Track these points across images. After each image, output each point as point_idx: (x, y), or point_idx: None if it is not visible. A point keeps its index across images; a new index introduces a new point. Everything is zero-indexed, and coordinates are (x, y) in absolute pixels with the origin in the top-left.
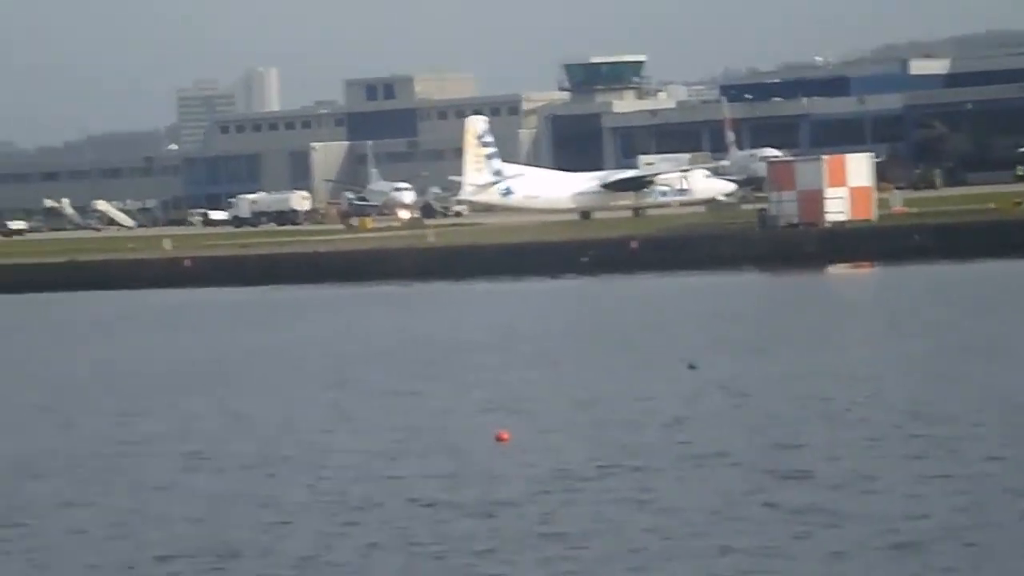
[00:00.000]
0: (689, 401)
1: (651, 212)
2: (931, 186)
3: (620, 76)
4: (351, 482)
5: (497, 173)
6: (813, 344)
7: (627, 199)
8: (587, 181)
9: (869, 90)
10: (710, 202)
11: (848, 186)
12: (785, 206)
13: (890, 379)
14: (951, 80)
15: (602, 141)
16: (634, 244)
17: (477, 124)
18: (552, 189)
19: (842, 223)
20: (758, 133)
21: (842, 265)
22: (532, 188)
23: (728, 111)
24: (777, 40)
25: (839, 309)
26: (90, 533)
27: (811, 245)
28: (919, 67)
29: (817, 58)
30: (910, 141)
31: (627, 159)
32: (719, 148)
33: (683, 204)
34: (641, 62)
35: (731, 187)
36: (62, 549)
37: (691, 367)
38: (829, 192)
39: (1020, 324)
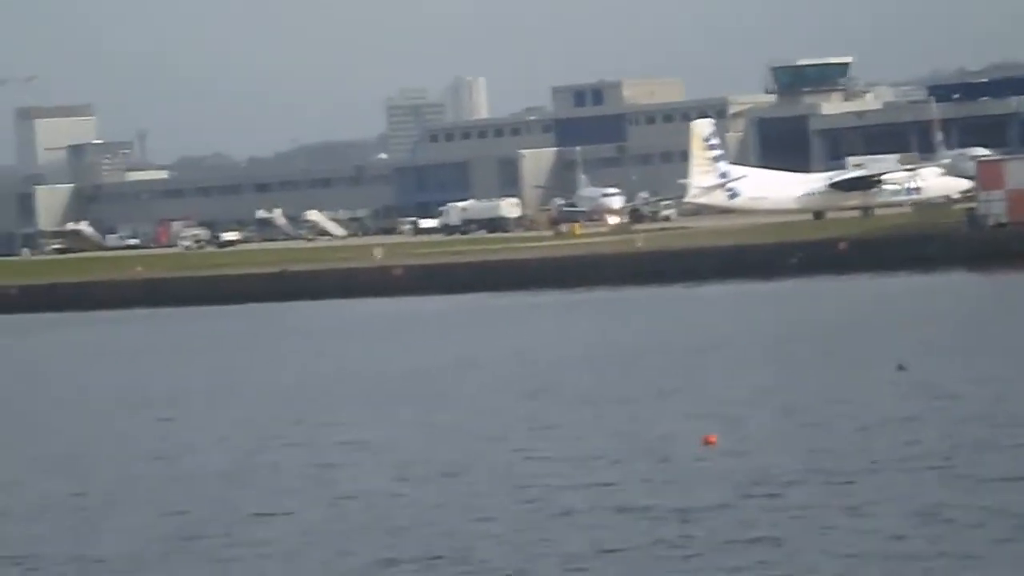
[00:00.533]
0: (895, 404)
1: (882, 211)
2: None
3: (827, 78)
4: (554, 490)
5: (724, 175)
6: (1019, 347)
7: (856, 199)
8: (815, 181)
9: None
10: (945, 201)
11: None
12: (994, 205)
13: None
14: None
15: (809, 143)
16: (843, 245)
17: (703, 127)
18: (779, 190)
19: None
20: (966, 133)
21: None
22: (758, 189)
23: (936, 111)
24: (985, 39)
25: None
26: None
27: (1020, 245)
28: None
29: None
30: None
31: (834, 161)
32: (927, 149)
33: (915, 203)
34: (847, 63)
35: (966, 184)
36: (298, 554)
37: (900, 368)
38: None
39: None
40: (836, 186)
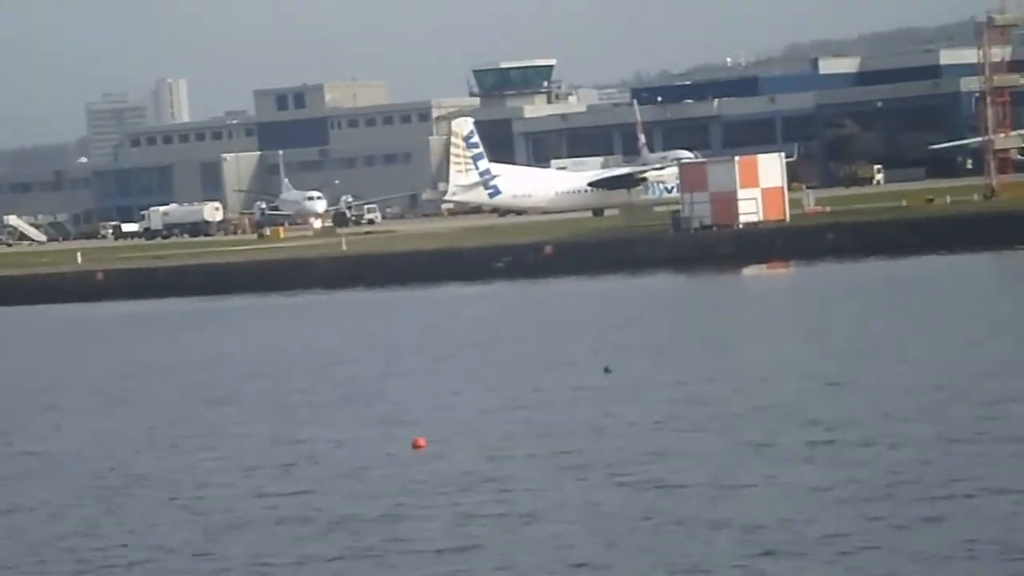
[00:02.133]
0: (602, 406)
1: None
2: (865, 182)
3: (530, 81)
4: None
5: (484, 174)
6: (712, 346)
7: (621, 197)
8: (576, 180)
9: (779, 90)
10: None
11: (760, 187)
12: (698, 208)
13: (777, 383)
14: (861, 79)
15: (514, 146)
16: (548, 249)
17: (463, 125)
18: (541, 188)
19: (755, 224)
20: (670, 135)
21: (757, 266)
22: (520, 187)
23: (639, 114)
24: (686, 42)
25: (740, 310)
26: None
27: (725, 246)
28: (828, 66)
29: (727, 59)
30: (822, 140)
31: (539, 164)
32: (631, 151)
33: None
34: (550, 66)
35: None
36: None
37: (607, 371)
38: (742, 193)
39: (922, 321)
40: (597, 184)
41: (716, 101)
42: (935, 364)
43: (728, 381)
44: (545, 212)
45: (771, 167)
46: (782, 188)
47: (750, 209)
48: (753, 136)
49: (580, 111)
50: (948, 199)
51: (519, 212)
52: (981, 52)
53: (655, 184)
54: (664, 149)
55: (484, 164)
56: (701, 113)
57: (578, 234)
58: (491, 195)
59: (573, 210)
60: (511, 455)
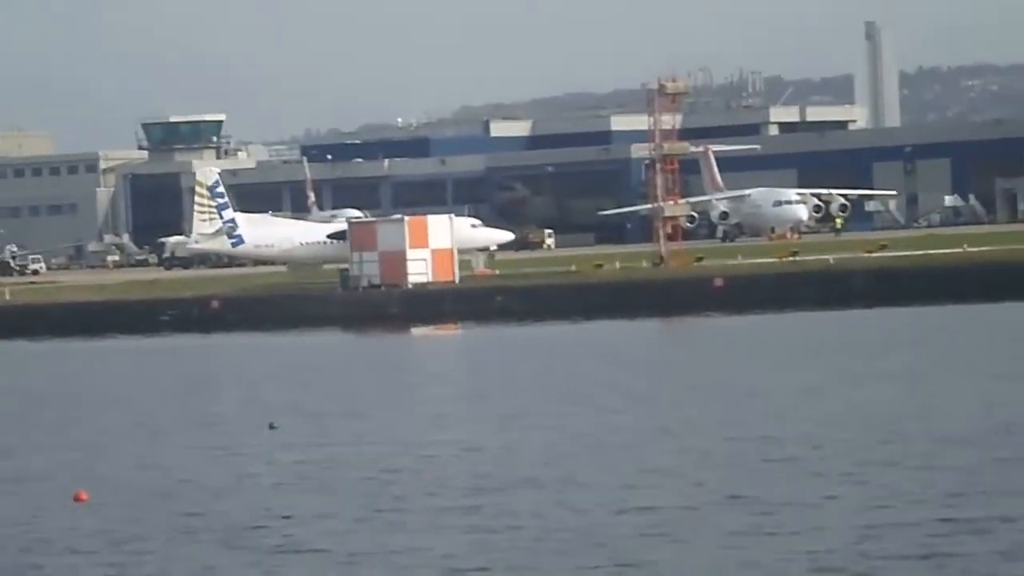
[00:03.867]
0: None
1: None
2: (536, 246)
3: (199, 135)
4: None
5: (228, 223)
6: (351, 408)
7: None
8: (318, 231)
9: (450, 152)
10: (484, 251)
11: (430, 247)
12: (367, 267)
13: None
14: (532, 142)
15: (182, 200)
16: (215, 303)
17: (208, 176)
18: (283, 238)
19: (424, 284)
20: (340, 194)
21: (424, 326)
22: (263, 238)
23: (308, 171)
24: (357, 101)
25: (403, 371)
26: None
27: (394, 306)
28: (500, 129)
29: (398, 119)
30: (492, 203)
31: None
32: (300, 208)
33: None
34: (220, 121)
35: (508, 236)
36: None
37: (272, 427)
38: (411, 253)
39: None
40: (334, 236)
41: (387, 161)
42: (586, 426)
43: (379, 443)
44: (285, 263)
45: (441, 228)
46: (451, 250)
47: (419, 269)
48: (424, 197)
49: (250, 167)
50: (617, 264)
51: (261, 262)
52: (651, 119)
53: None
54: (334, 207)
55: (229, 214)
56: (371, 173)
57: (246, 289)
58: (234, 244)
59: (314, 262)
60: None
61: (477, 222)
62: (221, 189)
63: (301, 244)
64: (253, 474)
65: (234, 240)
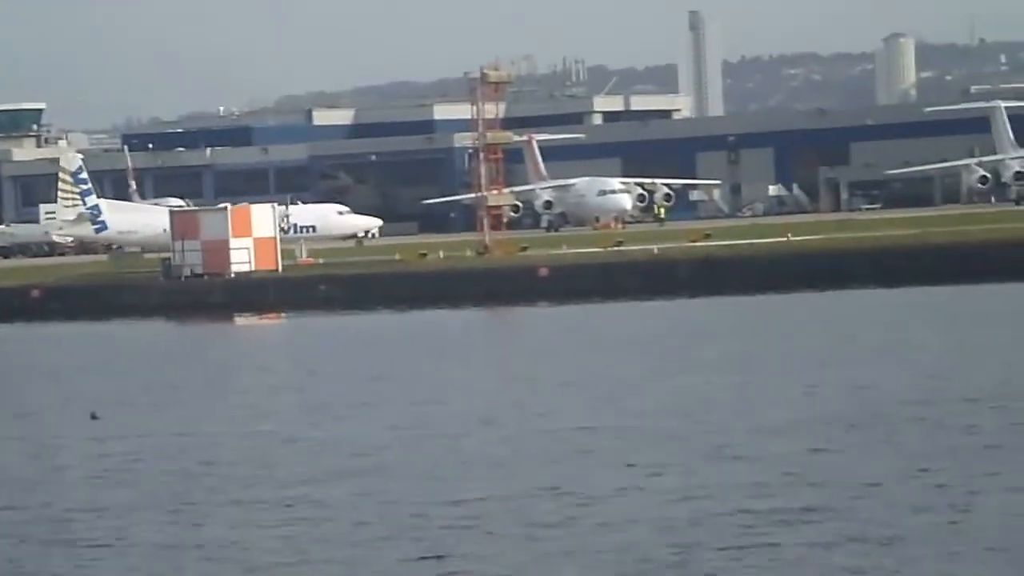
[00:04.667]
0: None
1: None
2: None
3: (18, 124)
4: None
5: (93, 208)
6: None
7: None
8: None
9: (273, 140)
10: (353, 238)
11: (253, 236)
12: (189, 256)
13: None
14: (355, 131)
15: (1, 189)
16: (36, 293)
17: (72, 161)
18: (147, 224)
19: (247, 273)
20: (162, 183)
21: (248, 315)
22: (127, 223)
23: (129, 160)
24: (179, 90)
25: (221, 359)
26: None
27: (217, 295)
28: (323, 117)
29: (220, 108)
30: (316, 191)
31: (27, 208)
32: (122, 196)
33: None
34: (40, 110)
35: (376, 223)
36: None
37: (93, 417)
38: (234, 242)
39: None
40: None
41: (209, 150)
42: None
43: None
44: (149, 249)
45: (264, 217)
46: (275, 238)
47: (242, 258)
48: (246, 186)
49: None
50: (441, 254)
51: (123, 248)
52: (474, 108)
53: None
54: (156, 196)
55: (92, 200)
56: (194, 161)
57: (66, 278)
58: (97, 230)
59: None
60: None
61: (345, 209)
62: (84, 175)
63: (164, 231)
64: (64, 466)
65: (97, 226)
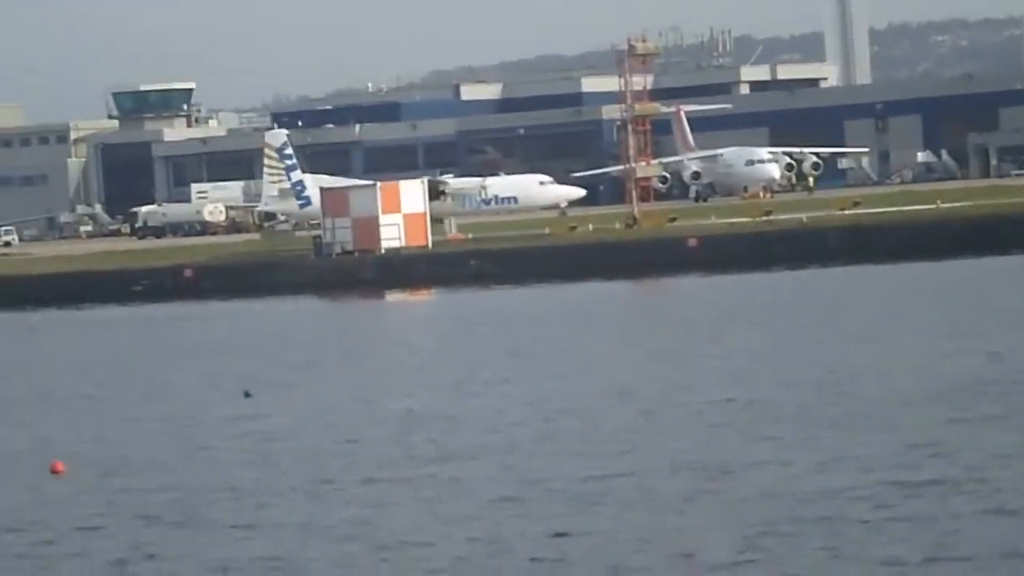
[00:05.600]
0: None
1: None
2: None
3: (169, 104)
4: None
5: (298, 184)
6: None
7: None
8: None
9: (421, 116)
10: (555, 208)
11: (402, 212)
12: (340, 233)
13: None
14: (503, 105)
15: (153, 169)
16: (189, 272)
17: (276, 137)
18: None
19: (397, 249)
20: (311, 160)
21: (399, 291)
22: None
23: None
24: (327, 66)
25: (377, 336)
26: None
27: (367, 272)
28: (470, 92)
29: (368, 84)
30: (464, 166)
31: (179, 188)
32: None
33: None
34: (190, 89)
35: (580, 192)
36: None
37: (247, 395)
38: (384, 219)
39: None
40: None
41: (358, 126)
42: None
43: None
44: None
45: (413, 193)
46: (424, 214)
47: (392, 235)
48: (395, 162)
49: (220, 135)
50: (591, 227)
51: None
52: (622, 80)
53: (471, 196)
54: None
55: (297, 175)
56: (342, 138)
57: (219, 257)
58: (302, 206)
59: None
60: None
61: (547, 179)
62: (290, 151)
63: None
64: (208, 446)
65: (302, 202)
